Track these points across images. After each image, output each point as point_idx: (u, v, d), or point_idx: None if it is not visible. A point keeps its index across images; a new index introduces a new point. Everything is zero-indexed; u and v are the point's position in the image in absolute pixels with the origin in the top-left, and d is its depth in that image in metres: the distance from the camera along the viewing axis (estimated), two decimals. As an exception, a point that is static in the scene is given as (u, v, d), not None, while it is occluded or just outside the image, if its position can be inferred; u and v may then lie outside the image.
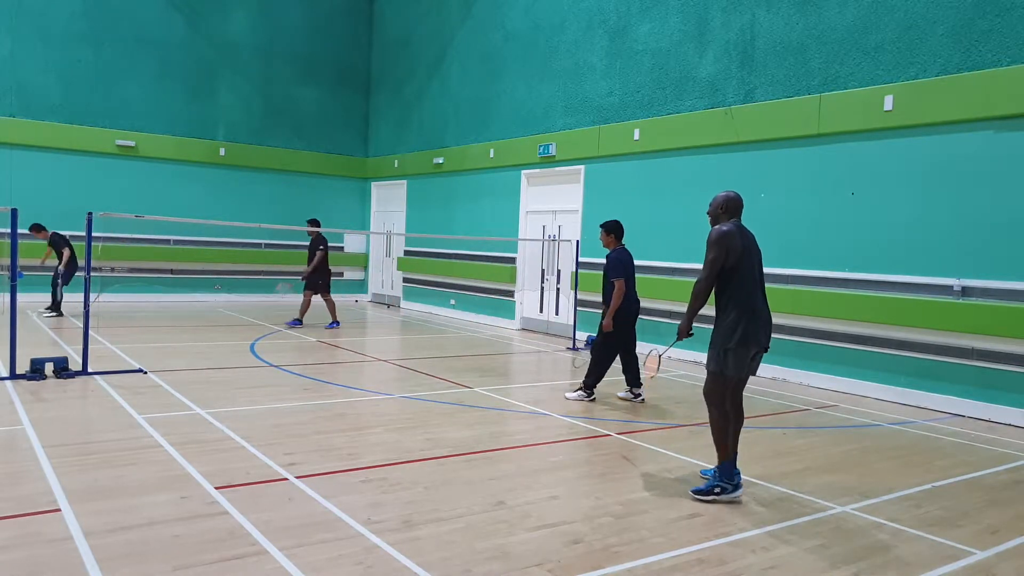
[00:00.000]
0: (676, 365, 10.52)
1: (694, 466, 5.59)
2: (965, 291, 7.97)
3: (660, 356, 5.69)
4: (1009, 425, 7.54)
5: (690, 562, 3.84)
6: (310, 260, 13.19)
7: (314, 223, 13.28)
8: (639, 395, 7.92)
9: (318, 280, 13.16)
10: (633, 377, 7.96)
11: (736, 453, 4.96)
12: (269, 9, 17.75)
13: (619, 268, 7.67)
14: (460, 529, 4.14)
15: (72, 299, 13.98)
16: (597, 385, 7.89)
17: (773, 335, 9.37)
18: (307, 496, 4.56)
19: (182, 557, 3.62)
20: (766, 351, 5.04)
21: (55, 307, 13.13)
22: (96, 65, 15.71)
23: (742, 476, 5.16)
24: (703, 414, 6.10)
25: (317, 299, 13.56)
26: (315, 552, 3.74)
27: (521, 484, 5.00)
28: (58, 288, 13.04)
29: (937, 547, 4.19)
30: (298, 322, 13.13)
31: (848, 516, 4.64)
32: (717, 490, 4.80)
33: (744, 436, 6.57)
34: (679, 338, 5.19)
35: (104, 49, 15.78)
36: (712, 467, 5.13)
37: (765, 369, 9.73)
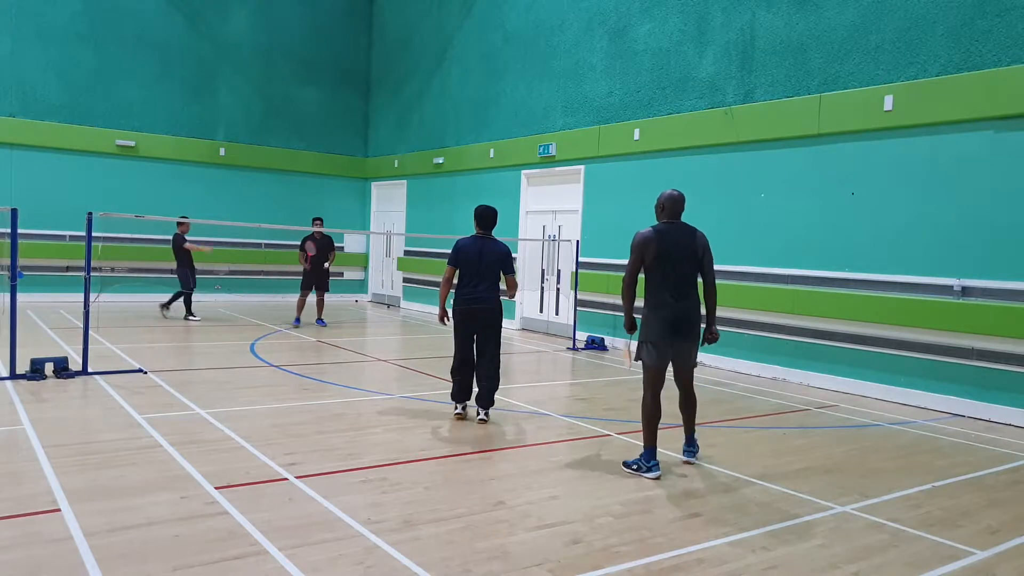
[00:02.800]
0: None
1: (695, 466, 5.59)
2: (965, 291, 7.97)
3: (628, 346, 6.05)
4: (1009, 425, 7.54)
5: (690, 562, 3.84)
6: (324, 260, 13.29)
7: (319, 222, 13.44)
8: (462, 412, 6.82)
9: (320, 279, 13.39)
10: (462, 391, 6.83)
11: (693, 433, 5.67)
12: (269, 9, 17.74)
13: (451, 254, 6.73)
14: (460, 529, 4.14)
15: (72, 299, 14.01)
16: (462, 394, 6.83)
17: (774, 335, 9.39)
18: (307, 496, 4.56)
19: (182, 557, 3.62)
20: (708, 342, 5.54)
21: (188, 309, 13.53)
22: (96, 65, 15.72)
23: (741, 476, 5.26)
24: (702, 413, 6.13)
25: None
26: (315, 552, 3.74)
27: (521, 484, 5.00)
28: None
29: (937, 547, 4.19)
30: (321, 322, 13.43)
31: (848, 516, 4.64)
32: (635, 467, 5.36)
33: (744, 436, 6.60)
34: (626, 330, 5.61)
35: (104, 49, 15.78)
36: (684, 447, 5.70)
37: (765, 369, 9.74)
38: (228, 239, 16.90)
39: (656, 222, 5.56)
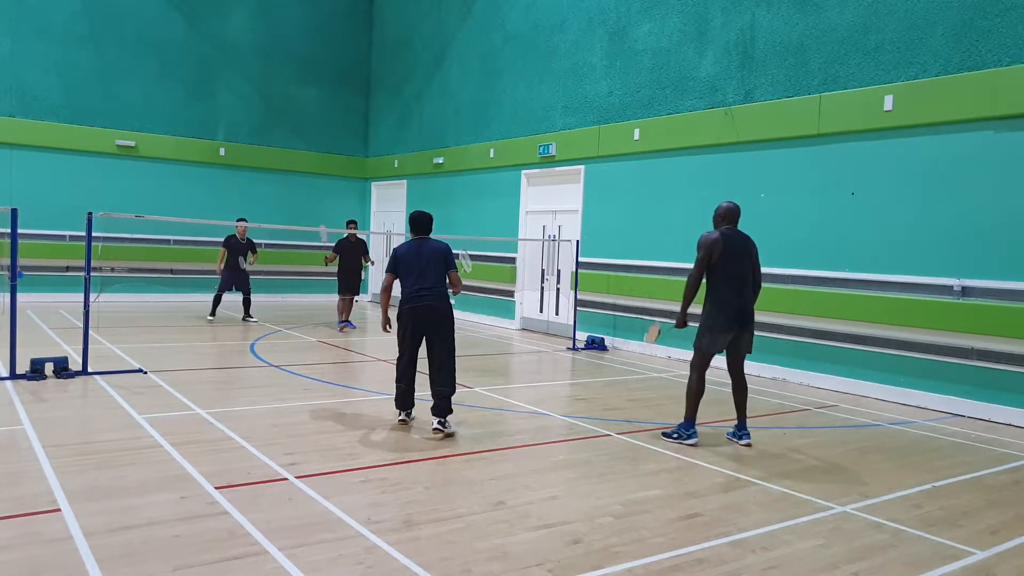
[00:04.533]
0: (677, 365, 10.52)
1: (695, 466, 5.59)
2: (965, 291, 7.97)
3: (659, 329, 6.88)
4: (1009, 425, 7.54)
5: (690, 562, 3.84)
6: (359, 264, 13.14)
7: (353, 224, 13.33)
8: (407, 419, 6.47)
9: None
10: (409, 400, 6.44)
11: (745, 418, 6.32)
12: (269, 9, 17.75)
13: (388, 261, 6.57)
14: (460, 529, 4.14)
15: (72, 299, 14.01)
16: (404, 401, 6.43)
17: (774, 335, 9.59)
18: (307, 496, 4.55)
19: (182, 557, 3.62)
20: (750, 334, 6.25)
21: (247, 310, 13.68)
22: (96, 65, 15.72)
23: (741, 476, 5.29)
24: (702, 414, 6.15)
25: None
26: (315, 552, 3.74)
27: (521, 484, 5.00)
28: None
29: (937, 547, 4.19)
30: (350, 324, 13.22)
31: (848, 516, 4.64)
32: (675, 436, 6.21)
33: (744, 436, 6.61)
34: (677, 326, 6.33)
35: (104, 49, 15.78)
36: (732, 429, 6.40)
37: (765, 369, 9.73)
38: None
39: (712, 228, 6.36)
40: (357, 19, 19.06)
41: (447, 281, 6.46)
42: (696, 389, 6.22)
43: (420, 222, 6.71)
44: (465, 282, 16.24)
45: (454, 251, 6.64)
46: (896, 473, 5.66)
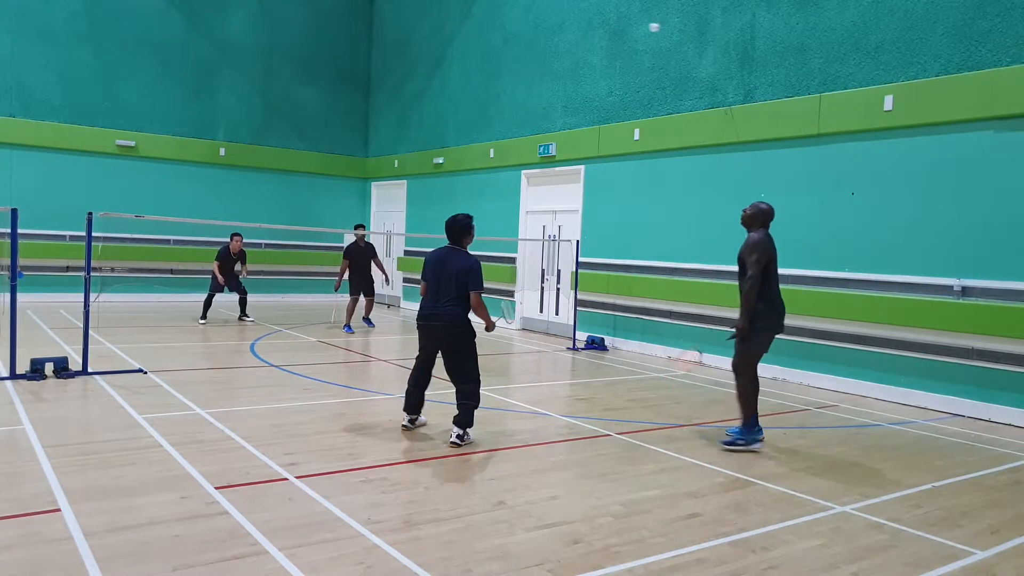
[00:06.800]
0: (677, 365, 10.50)
1: (695, 466, 5.59)
2: (965, 291, 7.97)
3: (701, 355, 6.61)
4: (1009, 425, 7.54)
5: (690, 562, 3.84)
6: (372, 266, 13.05)
7: (361, 228, 13.22)
8: (409, 425, 6.38)
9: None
10: (413, 404, 6.35)
11: (756, 414, 6.18)
12: (269, 9, 17.75)
13: (423, 267, 6.32)
14: (460, 529, 4.14)
15: (72, 299, 14.01)
16: (410, 406, 6.38)
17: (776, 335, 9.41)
18: (307, 496, 4.56)
19: (182, 557, 3.62)
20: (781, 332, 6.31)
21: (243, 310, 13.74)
22: (96, 65, 15.72)
23: (741, 476, 5.30)
24: (702, 414, 6.14)
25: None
26: (315, 552, 3.74)
27: (521, 484, 5.00)
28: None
29: (937, 547, 4.19)
30: (355, 326, 13.01)
31: (848, 516, 4.64)
32: (741, 443, 6.04)
33: (744, 436, 6.61)
34: (738, 335, 6.13)
35: (104, 49, 15.79)
36: (736, 427, 6.23)
37: (765, 369, 9.72)
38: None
39: (747, 228, 6.38)
40: (357, 19, 19.07)
41: (467, 297, 6.12)
42: (753, 389, 6.12)
43: (450, 229, 6.26)
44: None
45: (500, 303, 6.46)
46: (896, 473, 5.66)
